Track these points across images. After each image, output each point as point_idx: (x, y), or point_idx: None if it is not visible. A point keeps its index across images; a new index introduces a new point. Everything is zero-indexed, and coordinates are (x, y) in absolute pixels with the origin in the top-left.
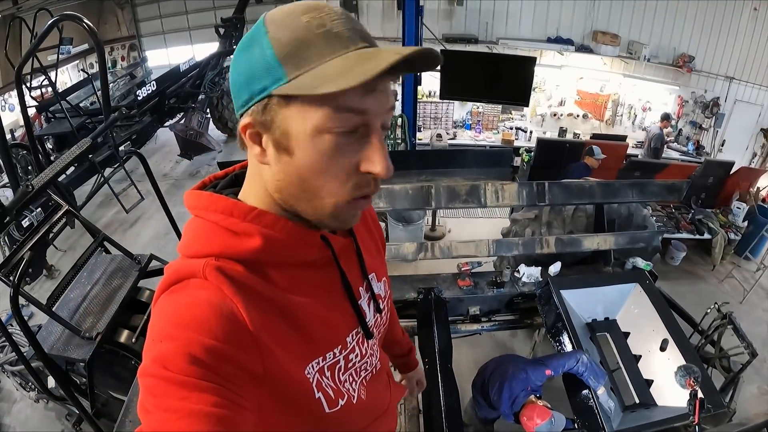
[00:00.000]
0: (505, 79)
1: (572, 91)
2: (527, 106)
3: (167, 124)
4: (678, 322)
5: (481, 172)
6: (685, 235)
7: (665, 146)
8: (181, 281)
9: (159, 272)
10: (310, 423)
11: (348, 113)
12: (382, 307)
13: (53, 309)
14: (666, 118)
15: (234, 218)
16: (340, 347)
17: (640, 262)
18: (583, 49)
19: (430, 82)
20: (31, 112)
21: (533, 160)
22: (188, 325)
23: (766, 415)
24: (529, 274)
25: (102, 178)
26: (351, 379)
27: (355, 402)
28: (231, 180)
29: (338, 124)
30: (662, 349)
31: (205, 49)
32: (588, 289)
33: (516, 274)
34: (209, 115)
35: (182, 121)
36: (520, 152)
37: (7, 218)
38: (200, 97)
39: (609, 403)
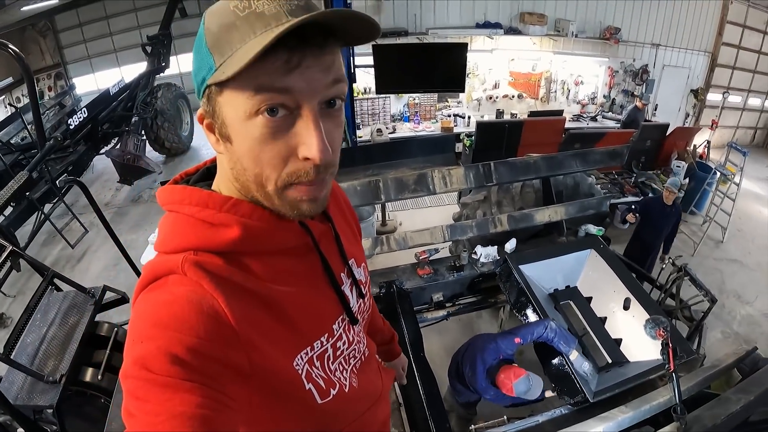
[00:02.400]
0: (438, 68)
1: (505, 73)
2: (463, 91)
3: (103, 150)
4: (637, 281)
5: (426, 161)
6: (630, 199)
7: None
8: (159, 278)
9: (115, 303)
10: (303, 415)
11: (269, 93)
12: (364, 292)
13: (11, 357)
14: (642, 97)
15: (210, 209)
16: (326, 335)
17: (592, 229)
18: (511, 31)
19: (365, 78)
20: None
21: (475, 143)
22: (168, 324)
23: (735, 355)
24: (486, 254)
25: (42, 215)
26: (341, 367)
27: (347, 390)
28: (203, 173)
29: (263, 104)
30: (625, 308)
31: (134, 69)
32: (546, 260)
33: (473, 256)
34: (145, 137)
35: (118, 146)
36: (461, 138)
37: None
38: (134, 119)
39: (584, 366)
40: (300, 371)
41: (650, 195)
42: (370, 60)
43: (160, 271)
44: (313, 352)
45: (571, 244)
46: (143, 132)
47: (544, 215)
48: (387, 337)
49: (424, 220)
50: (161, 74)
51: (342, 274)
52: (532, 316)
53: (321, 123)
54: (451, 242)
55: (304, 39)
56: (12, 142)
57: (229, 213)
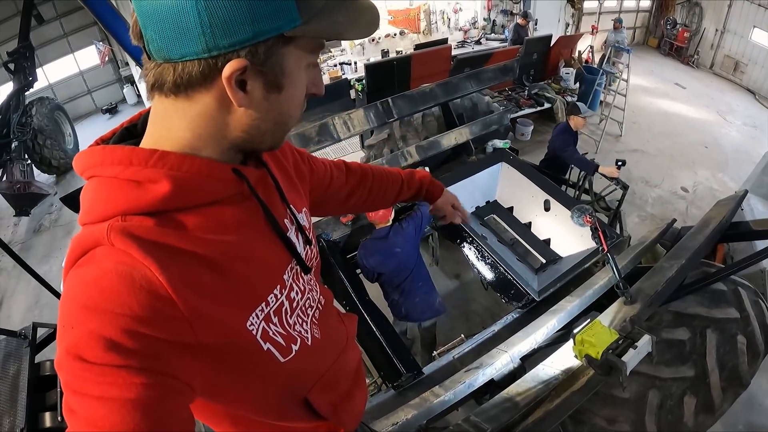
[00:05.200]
0: None
1: (383, 13)
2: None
3: (15, 165)
4: (552, 183)
5: (324, 110)
6: (527, 110)
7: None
8: (86, 253)
9: (50, 339)
10: (268, 378)
11: (321, 49)
12: (310, 237)
13: None
14: (525, 16)
15: (134, 166)
16: (279, 287)
17: (499, 143)
18: None
19: None
20: None
21: (367, 87)
22: (98, 305)
23: (657, 230)
24: None
25: None
26: (300, 320)
27: (310, 343)
28: (123, 134)
29: (316, 59)
30: (546, 209)
31: (0, 92)
32: (461, 182)
33: None
34: (29, 161)
35: (4, 178)
36: (352, 84)
37: None
38: (13, 145)
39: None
40: (255, 332)
41: (546, 104)
42: None
43: (87, 244)
44: (269, 308)
45: (481, 161)
46: (26, 156)
47: (450, 139)
48: (413, 177)
49: None
50: (31, 90)
51: (285, 220)
52: (466, 245)
53: None
54: None
55: None
56: None
57: (155, 167)
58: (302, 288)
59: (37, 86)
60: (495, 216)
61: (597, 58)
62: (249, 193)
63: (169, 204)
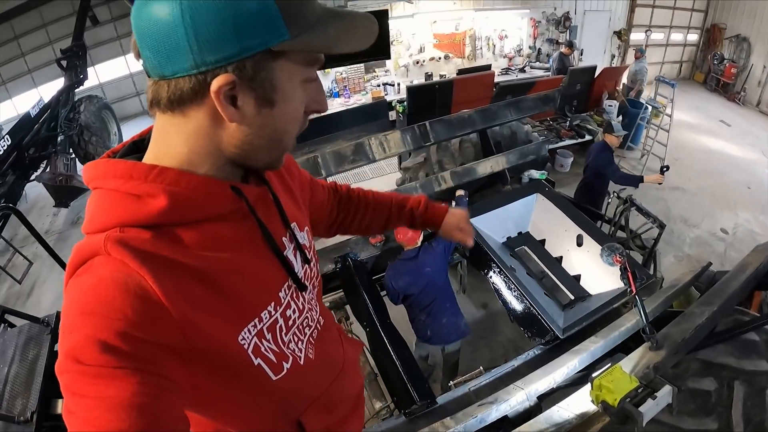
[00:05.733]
0: None
1: (429, 36)
2: (389, 58)
3: (33, 177)
4: (586, 217)
5: (361, 130)
6: (568, 142)
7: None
8: (85, 262)
9: None
10: (259, 396)
11: (318, 64)
12: (309, 257)
13: None
14: (570, 45)
15: (134, 180)
16: (273, 304)
17: (535, 173)
18: None
19: None
20: None
21: (408, 109)
22: (94, 310)
23: (692, 272)
24: None
25: None
26: (296, 338)
27: (302, 362)
28: (130, 148)
29: (313, 74)
30: (579, 244)
31: (52, 87)
32: (494, 211)
33: None
34: (74, 155)
35: (48, 170)
36: (394, 105)
37: None
38: (59, 138)
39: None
40: (246, 346)
41: (586, 136)
42: None
43: (85, 254)
44: (262, 324)
45: (516, 191)
46: (71, 150)
47: (486, 167)
48: (416, 204)
49: None
50: (81, 87)
51: (284, 239)
52: (491, 268)
53: None
54: None
55: None
56: None
57: (154, 182)
58: (300, 307)
59: (87, 84)
60: (526, 248)
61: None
62: (247, 210)
63: (166, 218)
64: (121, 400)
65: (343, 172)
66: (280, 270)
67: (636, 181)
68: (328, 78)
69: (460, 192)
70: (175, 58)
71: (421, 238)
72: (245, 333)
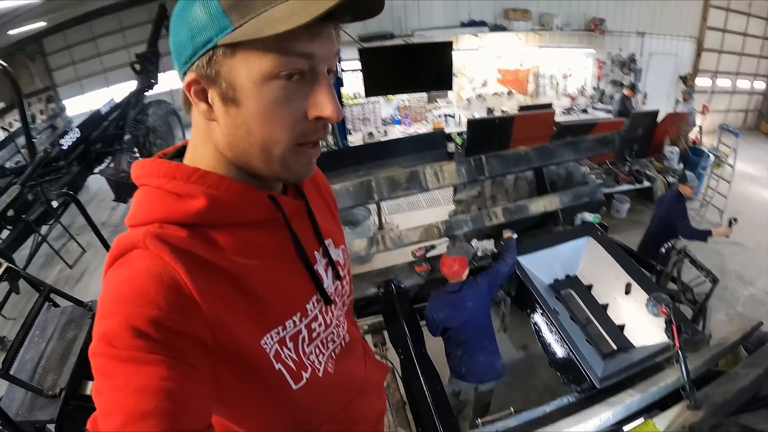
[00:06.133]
0: (425, 68)
1: (493, 71)
2: (451, 89)
3: (97, 170)
4: (637, 266)
5: (417, 158)
6: (625, 187)
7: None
8: (124, 254)
9: None
10: (277, 403)
11: (295, 57)
12: (342, 274)
13: (10, 373)
14: (632, 88)
15: (177, 180)
16: (299, 315)
17: (588, 216)
18: (496, 28)
19: (354, 83)
20: None
21: (467, 141)
22: (129, 299)
23: (741, 331)
24: (483, 248)
25: (39, 237)
26: (317, 351)
27: (321, 375)
28: (179, 151)
29: (285, 68)
30: (627, 292)
31: (124, 88)
32: (543, 251)
33: (473, 249)
34: (138, 155)
35: (112, 165)
36: (453, 137)
37: None
38: (126, 137)
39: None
40: (268, 350)
41: (645, 182)
42: (357, 65)
43: (125, 246)
44: (285, 332)
45: (568, 232)
46: (136, 149)
47: (539, 205)
48: None
49: (420, 221)
50: (151, 91)
51: (316, 253)
52: (535, 309)
53: None
54: (447, 239)
55: (335, 9)
56: (6, 166)
57: (196, 184)
58: (327, 321)
59: (157, 89)
60: (572, 291)
61: (705, 140)
62: (282, 221)
63: (204, 218)
64: (149, 383)
65: (395, 198)
66: (309, 283)
67: (705, 235)
68: (391, 105)
69: (508, 233)
70: (175, 64)
71: (466, 272)
72: (267, 338)
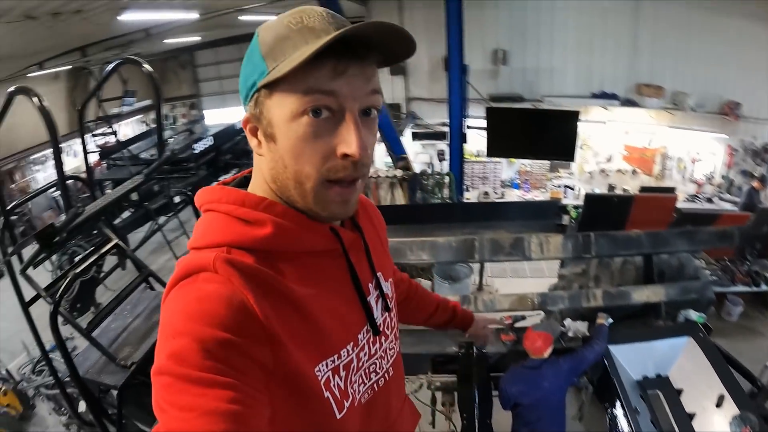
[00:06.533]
0: (549, 135)
1: (619, 147)
2: (572, 161)
3: (221, 178)
4: (735, 378)
5: (525, 225)
6: (741, 288)
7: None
8: (190, 275)
9: None
10: (324, 427)
11: (318, 94)
12: (390, 306)
13: (92, 335)
14: (762, 180)
15: (246, 208)
16: (352, 344)
17: (693, 314)
18: (627, 102)
19: (478, 141)
20: (95, 158)
21: (581, 216)
22: (200, 319)
23: None
24: (575, 329)
25: (156, 225)
26: (360, 380)
27: (356, 405)
28: (241, 181)
29: (309, 105)
30: (718, 405)
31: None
32: (638, 343)
33: (561, 329)
34: None
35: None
36: (568, 209)
37: (57, 238)
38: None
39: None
40: (321, 378)
41: (763, 285)
42: (483, 123)
43: (192, 268)
44: (339, 361)
45: (667, 328)
46: None
47: (642, 294)
48: (448, 306)
49: (521, 289)
50: None
51: (369, 285)
52: (616, 405)
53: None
54: (541, 312)
55: (350, 49)
56: (141, 156)
57: (264, 212)
58: (372, 352)
59: None
60: (660, 393)
61: None
62: (341, 251)
63: (270, 245)
64: (218, 406)
65: (498, 262)
66: (360, 313)
67: None
68: (512, 168)
69: (602, 319)
70: (241, 99)
71: (549, 350)
72: (322, 366)
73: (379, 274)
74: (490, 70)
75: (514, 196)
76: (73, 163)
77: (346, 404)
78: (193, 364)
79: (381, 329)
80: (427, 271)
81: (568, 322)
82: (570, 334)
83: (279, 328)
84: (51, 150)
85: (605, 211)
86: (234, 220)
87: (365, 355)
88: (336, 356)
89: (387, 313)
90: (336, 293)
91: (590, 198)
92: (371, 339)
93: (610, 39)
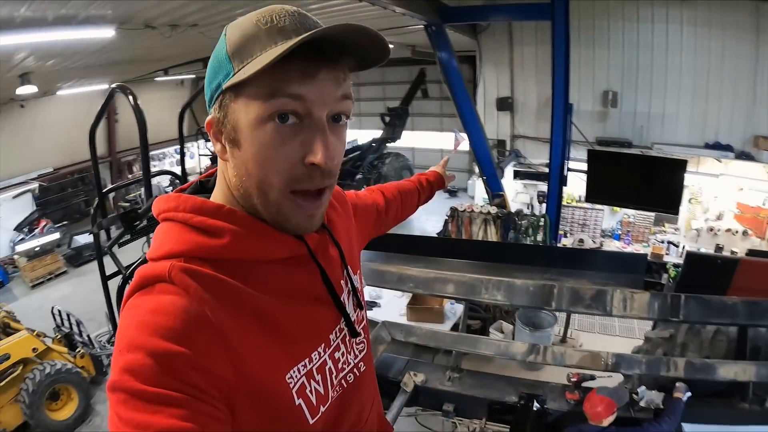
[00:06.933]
0: (653, 184)
1: (731, 204)
2: (676, 213)
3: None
4: None
5: (610, 277)
6: None
7: None
8: (146, 286)
9: None
10: None
11: (285, 98)
12: (362, 303)
13: None
14: None
15: (203, 216)
16: (323, 345)
17: None
18: (743, 155)
19: (579, 185)
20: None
21: (680, 276)
22: (154, 332)
23: None
24: (648, 399)
25: None
26: (336, 380)
27: (330, 403)
28: (196, 187)
29: (276, 109)
30: None
31: (369, 134)
32: (716, 426)
33: (634, 396)
34: None
35: None
36: (667, 267)
37: (137, 222)
38: (358, 176)
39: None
40: (292, 385)
41: None
42: (585, 166)
43: (148, 278)
44: (312, 365)
45: (752, 413)
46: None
47: (730, 371)
48: (420, 192)
49: (605, 347)
50: (393, 144)
51: (341, 282)
52: None
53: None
54: (612, 374)
55: (320, 52)
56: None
57: (222, 220)
58: (348, 349)
59: (399, 143)
60: None
61: None
62: (309, 256)
63: (228, 254)
64: (173, 424)
65: (576, 314)
66: (334, 313)
67: None
68: (614, 217)
69: (679, 393)
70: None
71: (610, 419)
72: (294, 372)
73: (349, 269)
74: (599, 111)
75: (613, 247)
76: (188, 164)
77: (323, 408)
78: (146, 379)
79: (356, 329)
80: (511, 315)
81: (642, 390)
82: (642, 403)
83: (240, 340)
84: (138, 146)
85: (706, 273)
86: (190, 229)
87: (342, 354)
88: (307, 360)
89: (359, 310)
90: (305, 296)
91: (691, 256)
92: (344, 338)
93: (727, 84)
